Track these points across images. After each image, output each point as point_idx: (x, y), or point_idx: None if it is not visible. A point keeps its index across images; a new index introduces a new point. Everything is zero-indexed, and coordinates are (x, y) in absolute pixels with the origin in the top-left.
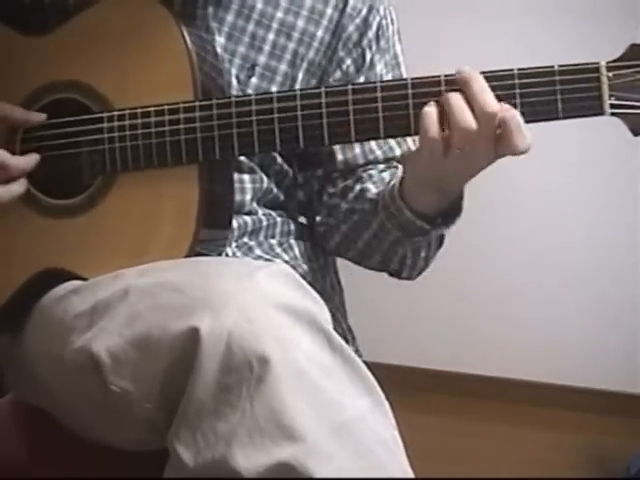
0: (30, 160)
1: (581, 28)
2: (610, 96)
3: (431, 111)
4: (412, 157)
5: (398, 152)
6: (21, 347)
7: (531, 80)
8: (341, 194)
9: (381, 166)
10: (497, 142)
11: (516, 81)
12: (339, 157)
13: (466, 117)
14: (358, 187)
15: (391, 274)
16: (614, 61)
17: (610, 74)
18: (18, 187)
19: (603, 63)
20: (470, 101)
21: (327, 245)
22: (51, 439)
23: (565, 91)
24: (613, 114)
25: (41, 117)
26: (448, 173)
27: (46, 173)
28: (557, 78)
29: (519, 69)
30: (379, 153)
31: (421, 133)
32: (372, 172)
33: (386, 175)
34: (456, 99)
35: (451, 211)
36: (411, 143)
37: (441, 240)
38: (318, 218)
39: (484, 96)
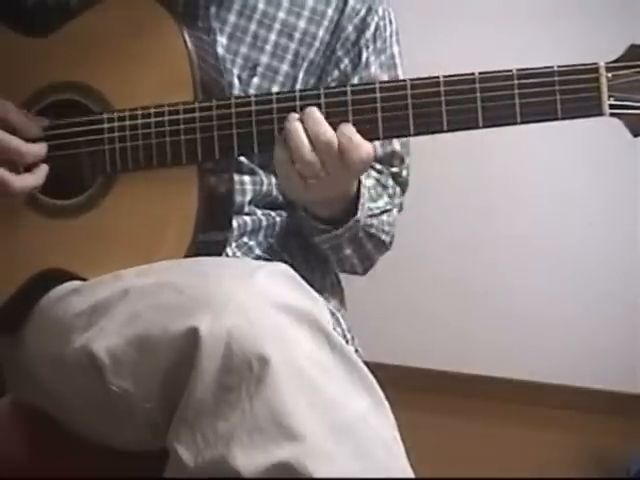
0: (42, 148)
1: (581, 28)
2: (609, 97)
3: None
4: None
5: (397, 146)
6: (21, 347)
7: (530, 80)
8: None
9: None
10: (342, 162)
11: (515, 81)
12: None
13: (305, 151)
14: None
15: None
16: (613, 62)
17: (609, 75)
18: (34, 179)
19: (602, 64)
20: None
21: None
22: (51, 439)
23: (564, 91)
24: (612, 115)
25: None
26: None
27: (46, 173)
28: (556, 79)
29: (518, 69)
30: (377, 147)
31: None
32: None
33: None
34: (297, 136)
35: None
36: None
37: (378, 238)
38: None
39: (316, 128)
